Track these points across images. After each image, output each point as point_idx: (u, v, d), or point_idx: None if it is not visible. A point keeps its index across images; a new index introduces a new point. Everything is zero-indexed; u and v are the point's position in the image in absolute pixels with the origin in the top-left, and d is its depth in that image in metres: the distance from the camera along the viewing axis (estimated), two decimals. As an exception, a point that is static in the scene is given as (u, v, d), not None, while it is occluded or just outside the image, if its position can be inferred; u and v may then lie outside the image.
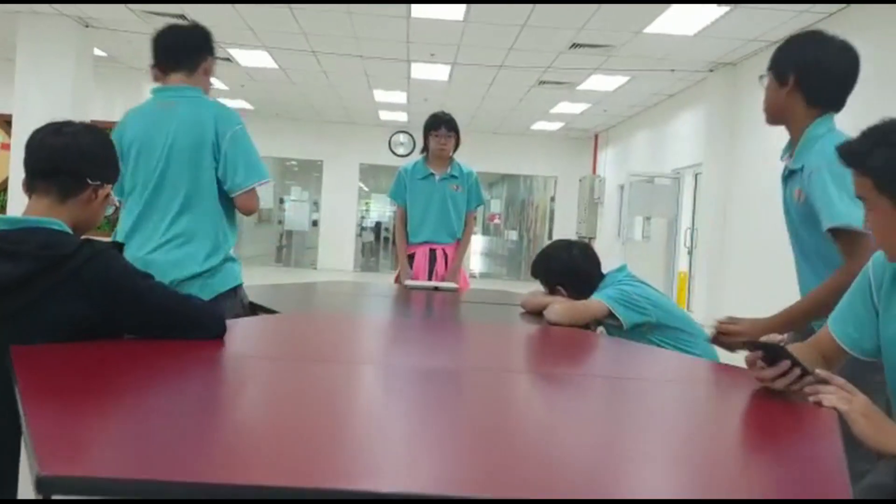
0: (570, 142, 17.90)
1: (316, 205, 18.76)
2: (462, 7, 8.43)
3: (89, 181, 1.89)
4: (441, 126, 4.39)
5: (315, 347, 2.14)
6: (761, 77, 2.44)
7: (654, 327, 2.79)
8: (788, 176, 2.53)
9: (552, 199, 18.78)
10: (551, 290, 3.02)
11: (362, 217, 21.24)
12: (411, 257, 4.40)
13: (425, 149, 4.49)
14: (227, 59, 11.80)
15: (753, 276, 9.47)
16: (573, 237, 17.51)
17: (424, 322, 2.78)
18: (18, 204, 9.72)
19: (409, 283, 4.01)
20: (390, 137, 17.32)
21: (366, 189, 20.66)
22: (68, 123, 1.93)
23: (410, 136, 17.36)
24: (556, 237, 18.16)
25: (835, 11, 7.87)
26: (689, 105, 11.99)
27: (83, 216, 1.91)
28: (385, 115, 16.17)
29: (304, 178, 20.98)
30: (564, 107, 14.02)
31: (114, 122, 11.53)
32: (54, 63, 9.90)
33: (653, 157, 13.59)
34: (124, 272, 1.83)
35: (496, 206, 25.58)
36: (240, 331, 2.15)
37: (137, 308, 1.81)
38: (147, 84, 12.71)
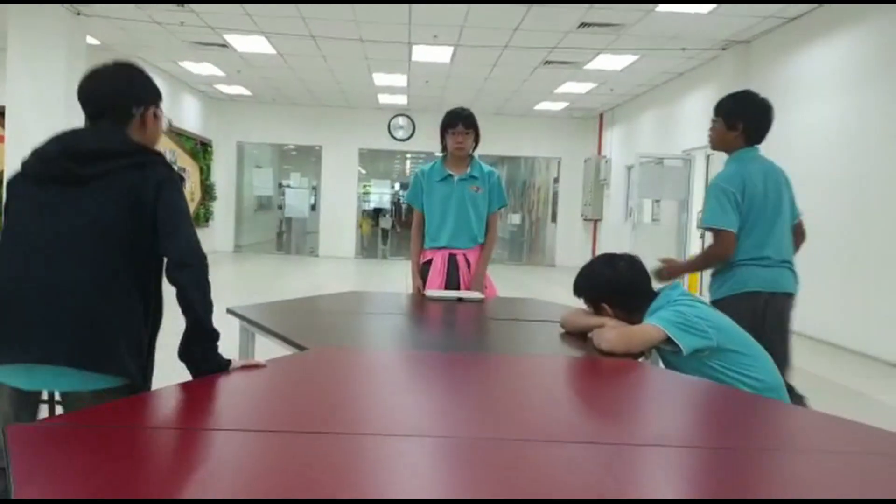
0: (574, 122, 17.56)
1: (315, 190, 18.45)
2: (468, -12, 8.10)
3: (133, 111, 2.16)
4: (458, 123, 4.06)
5: (309, 411, 1.71)
6: (714, 121, 3.70)
7: (714, 352, 2.53)
8: None
9: (556, 180, 18.47)
10: (596, 308, 2.75)
11: (363, 202, 20.92)
12: (429, 263, 4.12)
13: (444, 148, 4.17)
14: (224, 46, 11.45)
15: (771, 260, 9.21)
16: (578, 219, 17.44)
17: (449, 357, 2.33)
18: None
19: (431, 293, 3.72)
20: (389, 121, 16.98)
21: (363, 172, 20.31)
22: (103, 66, 2.24)
23: (410, 119, 17.02)
24: (560, 219, 17.97)
25: (858, -14, 7.56)
26: (699, 84, 11.67)
27: (143, 139, 2.16)
28: (384, 99, 15.82)
29: (303, 164, 20.63)
30: (570, 86, 13.68)
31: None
32: (46, 52, 9.55)
33: (661, 138, 13.27)
34: (179, 188, 2.11)
35: (498, 188, 25.29)
36: (210, 391, 1.88)
37: (167, 217, 2.06)
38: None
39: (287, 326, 2.71)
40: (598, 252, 16.68)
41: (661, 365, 2.82)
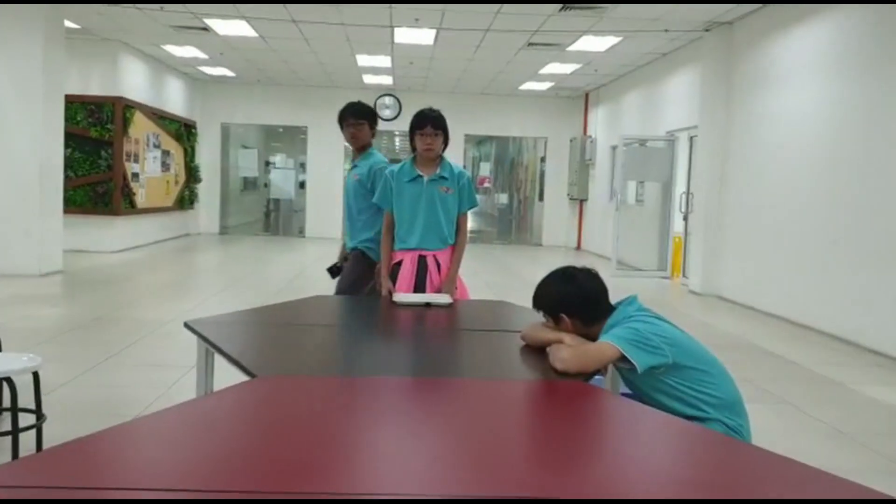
0: (559, 101, 17.49)
1: (303, 167, 18.35)
2: (447, -27, 8.01)
3: None
4: (427, 125, 4.04)
5: (226, 465, 1.57)
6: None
7: (670, 368, 2.54)
8: None
9: (542, 159, 18.44)
10: (555, 320, 2.76)
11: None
12: (399, 265, 4.11)
13: (413, 149, 4.15)
14: (205, 29, 11.32)
15: (752, 241, 9.25)
16: (564, 199, 17.42)
17: (402, 385, 2.25)
18: (2, 198, 9.36)
19: (398, 298, 3.71)
20: (375, 101, 16.86)
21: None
22: None
23: (396, 98, 16.91)
24: (547, 199, 17.95)
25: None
26: (683, 65, 11.62)
27: None
28: (369, 79, 15.71)
29: (289, 145, 20.51)
30: (554, 67, 13.60)
31: (90, 96, 11.20)
32: (22, 38, 9.44)
33: (646, 119, 13.24)
34: None
35: (485, 168, 25.21)
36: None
37: None
38: (123, 56, 12.30)
39: (241, 345, 2.70)
40: (586, 232, 16.77)
41: (620, 380, 2.84)
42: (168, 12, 10.27)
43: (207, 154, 17.16)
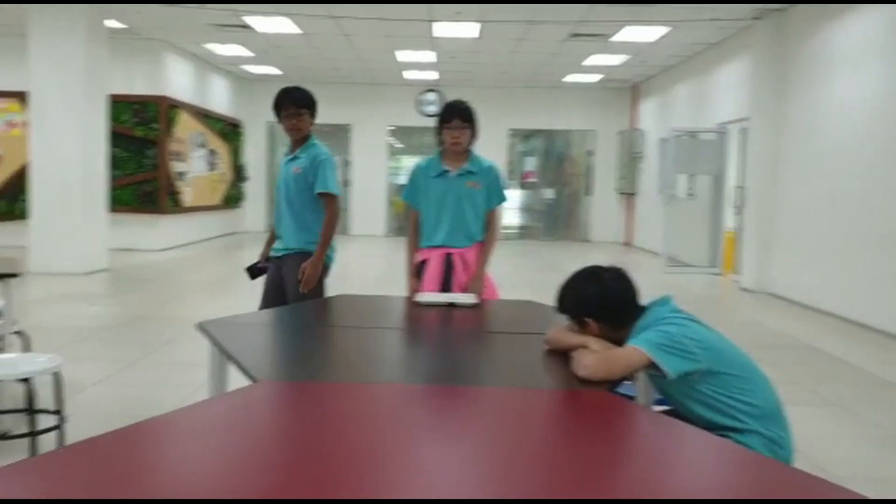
0: (607, 94, 17.14)
1: (347, 165, 18.33)
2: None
3: None
4: (454, 117, 3.88)
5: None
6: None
7: (704, 374, 2.34)
8: None
9: (590, 153, 18.10)
10: (580, 325, 2.57)
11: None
12: (424, 263, 3.96)
13: (440, 143, 3.99)
14: (245, 27, 11.33)
15: (806, 236, 8.87)
16: (612, 193, 17.07)
17: (414, 393, 2.08)
18: (47, 199, 9.51)
19: (422, 298, 3.56)
20: (417, 97, 16.75)
21: (401, 146, 20.11)
22: None
23: (439, 93, 16.76)
24: (595, 193, 17.62)
25: (897, -50, 7.12)
26: (734, 55, 11.23)
27: None
28: (410, 75, 15.59)
29: (334, 143, 20.51)
30: (600, 59, 13.31)
31: (135, 96, 11.30)
32: (66, 37, 9.54)
33: (696, 111, 12.86)
34: None
35: (530, 163, 24.92)
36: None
37: None
38: (167, 55, 12.42)
39: (250, 347, 2.58)
40: (635, 228, 16.41)
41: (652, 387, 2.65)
42: (208, 10, 10.28)
43: (254, 153, 17.26)
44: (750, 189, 10.13)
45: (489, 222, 4.04)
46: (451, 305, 3.47)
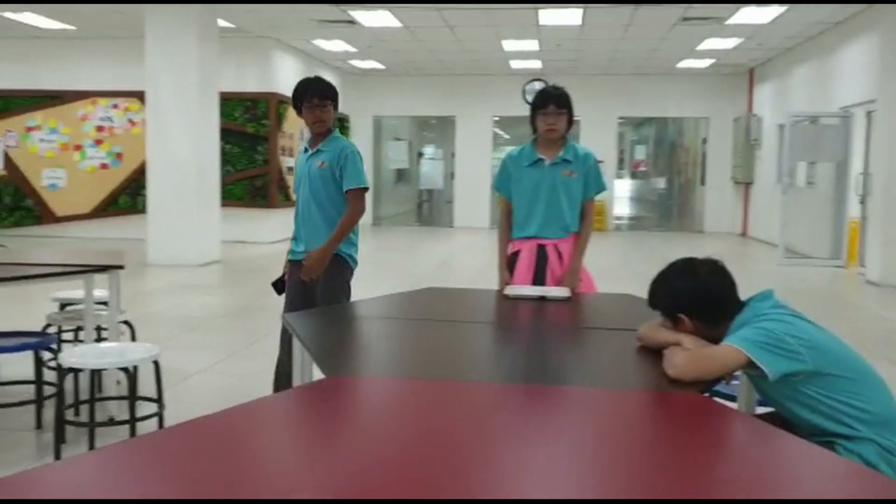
0: (721, 79, 16.44)
1: (453, 157, 18.37)
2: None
3: None
4: (549, 103, 3.73)
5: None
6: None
7: (810, 376, 2.13)
8: None
9: (704, 141, 17.43)
10: (673, 321, 2.40)
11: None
12: (516, 255, 3.83)
13: (534, 130, 3.85)
14: (351, 22, 11.47)
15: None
16: (728, 182, 16.37)
17: (490, 391, 2.00)
18: (163, 194, 9.95)
19: (510, 291, 3.44)
20: (524, 87, 16.55)
21: (507, 137, 19.97)
22: None
23: (545, 83, 16.51)
24: (709, 182, 16.96)
25: None
26: (859, 34, 10.51)
27: None
28: (516, 64, 15.41)
29: (440, 135, 20.60)
30: (713, 43, 12.75)
31: (246, 93, 11.62)
32: (179, 37, 9.90)
33: (817, 95, 12.13)
34: None
35: (641, 151, 24.23)
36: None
37: None
38: (276, 53, 12.67)
39: (329, 340, 2.55)
40: (751, 218, 15.69)
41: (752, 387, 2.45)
42: (314, 6, 10.45)
43: (360, 146, 17.39)
44: (875, 176, 9.47)
45: (585, 212, 3.87)
46: (542, 299, 3.34)
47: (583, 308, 3.35)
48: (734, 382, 3.03)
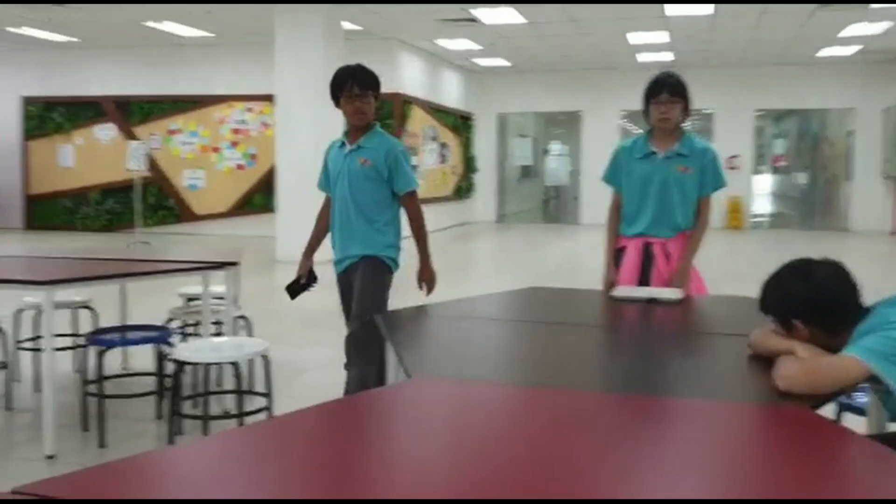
0: (869, 67, 15.33)
1: (577, 154, 18.08)
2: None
3: None
4: (662, 91, 3.52)
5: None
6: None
7: (943, 392, 1.89)
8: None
9: (849, 133, 16.32)
10: (787, 328, 2.20)
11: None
12: (622, 251, 3.65)
13: (647, 121, 3.65)
14: (472, 21, 11.45)
15: None
16: (877, 177, 15.25)
17: (587, 400, 1.88)
18: (290, 193, 10.27)
19: (618, 292, 3.28)
20: (654, 81, 16.00)
21: (637, 130, 19.47)
22: None
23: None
24: (856, 178, 15.86)
25: None
26: None
27: None
28: (643, 57, 14.93)
29: (566, 131, 20.32)
30: (859, 28, 11.88)
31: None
32: (305, 40, 10.18)
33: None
34: None
35: (781, 146, 23.00)
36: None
37: None
38: (400, 53, 12.76)
39: (419, 339, 2.50)
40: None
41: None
42: (436, 5, 10.49)
43: (484, 144, 17.50)
44: None
45: (701, 210, 3.63)
46: (652, 301, 3.17)
47: (694, 311, 3.15)
48: (860, 399, 2.76)
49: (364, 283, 3.64)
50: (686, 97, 3.58)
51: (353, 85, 3.58)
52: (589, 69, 16.43)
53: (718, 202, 14.43)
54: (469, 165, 16.85)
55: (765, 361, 2.19)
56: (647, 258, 3.57)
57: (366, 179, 3.61)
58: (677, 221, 3.57)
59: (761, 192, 21.74)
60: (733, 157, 15.49)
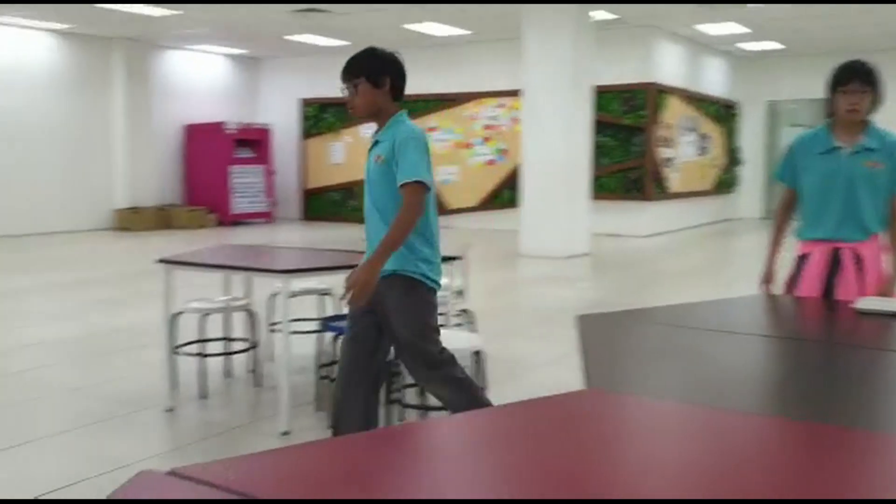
0: None
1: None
2: None
3: None
4: (853, 79, 3.09)
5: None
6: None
7: None
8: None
9: None
10: None
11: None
12: (804, 258, 3.26)
13: (830, 112, 3.21)
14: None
15: None
16: None
17: (777, 428, 1.60)
18: (535, 187, 10.28)
19: (862, 304, 2.81)
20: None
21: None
22: None
23: None
24: None
25: None
26: None
27: None
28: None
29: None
30: None
31: (623, 85, 11.45)
32: (554, 34, 10.12)
33: None
34: None
35: None
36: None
37: None
38: (657, 41, 12.31)
39: (609, 347, 2.31)
40: None
41: None
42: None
43: (750, 134, 16.35)
44: None
45: (894, 210, 3.22)
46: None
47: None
48: None
49: (396, 308, 3.04)
50: (877, 87, 3.14)
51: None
52: (876, 51, 14.68)
53: None
54: (732, 158, 15.83)
55: None
56: (834, 265, 3.20)
57: (381, 178, 3.03)
58: (866, 223, 3.19)
59: None
60: None
